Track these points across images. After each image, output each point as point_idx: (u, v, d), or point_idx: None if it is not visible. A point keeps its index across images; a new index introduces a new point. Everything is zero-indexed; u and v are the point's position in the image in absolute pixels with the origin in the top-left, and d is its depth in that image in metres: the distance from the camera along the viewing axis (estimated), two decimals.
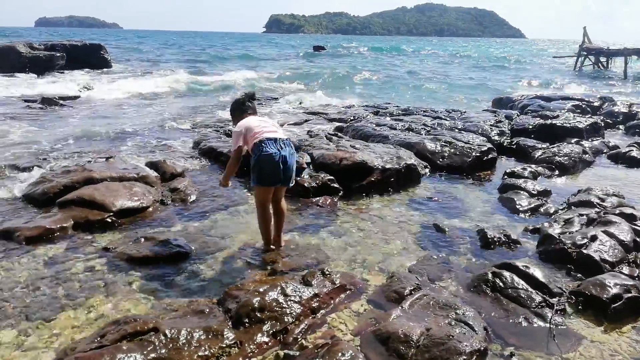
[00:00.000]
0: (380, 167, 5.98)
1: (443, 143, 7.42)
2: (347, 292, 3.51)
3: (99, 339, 2.70)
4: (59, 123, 9.99)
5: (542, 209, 5.37)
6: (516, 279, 3.51)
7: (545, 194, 5.86)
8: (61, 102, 12.46)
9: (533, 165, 7.00)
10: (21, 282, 3.54)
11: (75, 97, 13.69)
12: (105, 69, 23.47)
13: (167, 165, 6.24)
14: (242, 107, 4.14)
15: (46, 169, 6.22)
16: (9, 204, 5.06)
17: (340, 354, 2.62)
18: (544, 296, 3.39)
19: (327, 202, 5.47)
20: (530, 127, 9.18)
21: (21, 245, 4.10)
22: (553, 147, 7.76)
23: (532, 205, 5.42)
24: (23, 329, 2.99)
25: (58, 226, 4.39)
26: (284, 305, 3.15)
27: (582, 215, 4.77)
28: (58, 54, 20.94)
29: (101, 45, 25.23)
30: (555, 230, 4.44)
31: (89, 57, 23.59)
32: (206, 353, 2.70)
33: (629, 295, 3.32)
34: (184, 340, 2.72)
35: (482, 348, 2.74)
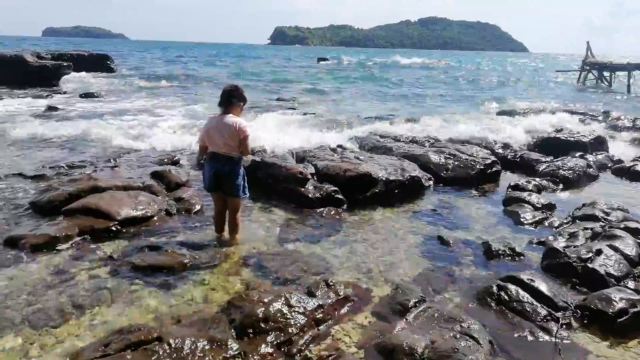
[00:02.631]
0: (384, 178, 5.99)
1: (447, 155, 7.43)
2: (352, 304, 3.50)
3: (103, 347, 2.70)
4: (64, 131, 10.04)
5: (546, 222, 5.36)
6: (521, 292, 3.50)
7: (549, 207, 5.84)
8: (62, 108, 12.59)
9: (537, 179, 6.99)
10: (26, 289, 3.55)
11: (79, 106, 13.81)
12: (112, 77, 23.77)
13: (172, 175, 6.26)
14: (225, 101, 4.38)
15: (53, 177, 6.25)
16: (15, 212, 5.08)
17: None
18: (550, 310, 3.38)
19: (331, 213, 5.47)
20: (534, 140, 9.18)
21: (27, 253, 4.12)
22: (557, 161, 7.75)
23: (537, 219, 5.41)
24: (28, 336, 2.99)
25: (63, 234, 4.41)
26: (288, 316, 3.14)
27: (586, 229, 4.75)
28: (65, 64, 21.17)
29: (107, 55, 25.58)
30: (560, 243, 4.43)
31: (96, 67, 23.90)
32: None
33: (635, 309, 3.30)
34: (188, 350, 2.71)
35: None
